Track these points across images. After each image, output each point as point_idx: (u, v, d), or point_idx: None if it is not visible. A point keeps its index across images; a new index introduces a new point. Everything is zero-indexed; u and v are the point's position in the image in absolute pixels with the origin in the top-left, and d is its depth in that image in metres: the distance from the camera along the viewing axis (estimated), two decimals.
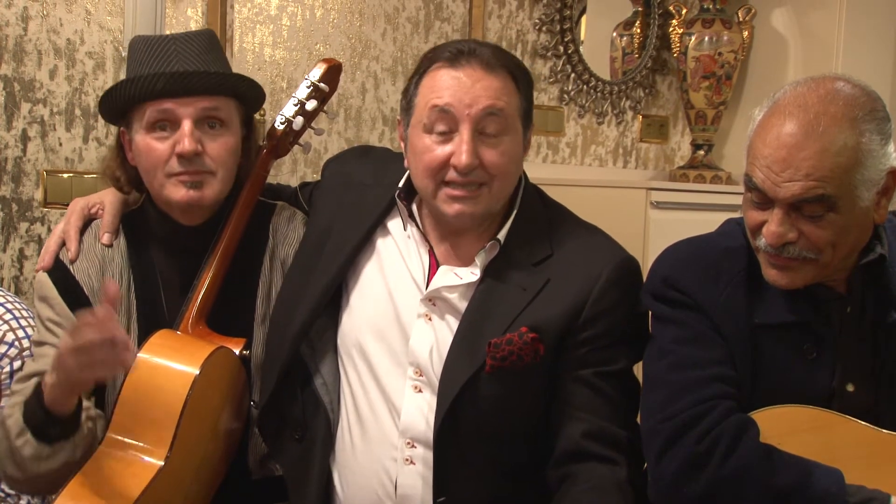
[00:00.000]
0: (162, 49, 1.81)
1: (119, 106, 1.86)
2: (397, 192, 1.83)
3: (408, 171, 1.81)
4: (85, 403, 1.73)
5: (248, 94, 1.93)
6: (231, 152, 1.89)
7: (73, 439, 1.70)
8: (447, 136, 1.70)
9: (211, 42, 1.88)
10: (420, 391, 1.74)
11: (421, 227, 1.82)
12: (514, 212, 1.80)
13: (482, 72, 1.71)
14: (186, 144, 1.80)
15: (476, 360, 1.69)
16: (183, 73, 1.79)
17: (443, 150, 1.70)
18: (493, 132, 1.71)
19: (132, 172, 1.90)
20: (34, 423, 1.67)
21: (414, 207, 1.83)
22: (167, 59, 1.80)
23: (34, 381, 1.74)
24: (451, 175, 1.70)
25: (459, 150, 1.68)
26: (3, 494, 1.95)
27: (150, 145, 1.82)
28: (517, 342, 1.69)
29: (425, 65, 1.77)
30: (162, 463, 1.66)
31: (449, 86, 1.71)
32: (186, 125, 1.81)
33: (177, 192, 1.84)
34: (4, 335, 1.98)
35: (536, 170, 3.77)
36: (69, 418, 1.67)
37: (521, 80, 1.77)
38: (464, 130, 1.69)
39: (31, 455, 1.68)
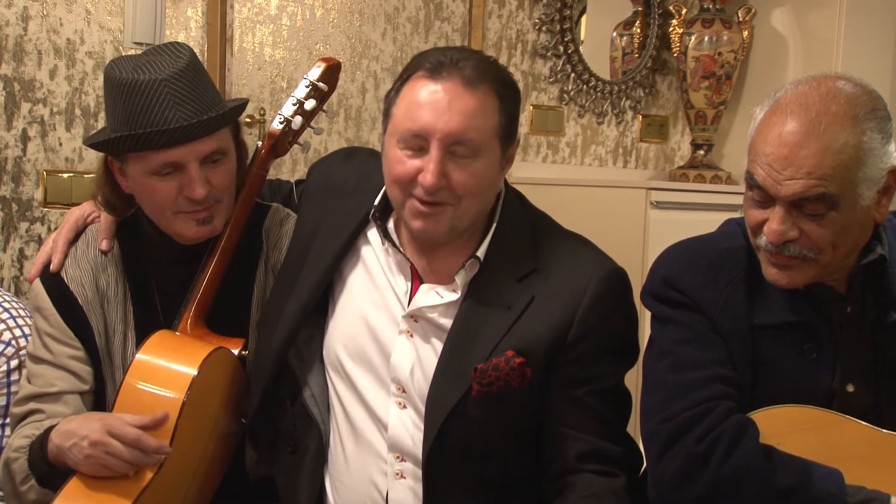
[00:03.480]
0: (153, 95, 1.73)
1: (115, 154, 1.81)
2: (372, 211, 1.79)
3: (384, 188, 1.77)
4: None
5: (239, 116, 1.90)
6: (232, 175, 1.87)
7: None
8: (419, 152, 1.66)
9: (197, 73, 1.79)
10: (404, 407, 1.71)
11: (398, 243, 1.77)
12: (494, 226, 1.75)
13: (461, 88, 1.64)
14: (198, 191, 1.77)
15: (462, 385, 1.65)
16: (187, 128, 1.73)
17: (412, 164, 1.65)
18: (464, 154, 1.65)
19: (126, 197, 1.86)
20: (38, 472, 1.68)
21: (390, 225, 1.80)
22: (162, 108, 1.72)
23: (34, 420, 1.76)
24: (417, 189, 1.66)
25: (427, 168, 1.63)
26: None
27: (155, 187, 1.78)
28: (504, 368, 1.64)
29: (409, 71, 1.70)
30: (161, 464, 1.65)
31: (425, 103, 1.65)
32: (194, 170, 1.77)
33: (188, 229, 1.82)
34: (1, 334, 1.97)
35: (536, 170, 3.78)
36: (72, 470, 1.67)
37: (507, 96, 1.70)
38: (433, 150, 1.63)
39: (36, 499, 1.70)
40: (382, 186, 1.77)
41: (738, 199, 1.70)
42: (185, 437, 1.69)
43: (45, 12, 2.71)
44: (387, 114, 1.73)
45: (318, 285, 1.80)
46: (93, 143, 1.83)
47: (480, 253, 1.72)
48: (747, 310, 1.65)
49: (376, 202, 1.79)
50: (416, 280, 1.76)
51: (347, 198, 1.86)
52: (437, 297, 1.72)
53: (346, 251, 1.82)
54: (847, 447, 1.58)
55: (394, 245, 1.76)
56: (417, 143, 1.65)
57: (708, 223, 1.87)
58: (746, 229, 1.68)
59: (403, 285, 1.75)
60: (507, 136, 1.72)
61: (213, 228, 1.84)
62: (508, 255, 1.73)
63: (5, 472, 1.75)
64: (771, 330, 1.64)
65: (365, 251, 1.82)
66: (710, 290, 1.67)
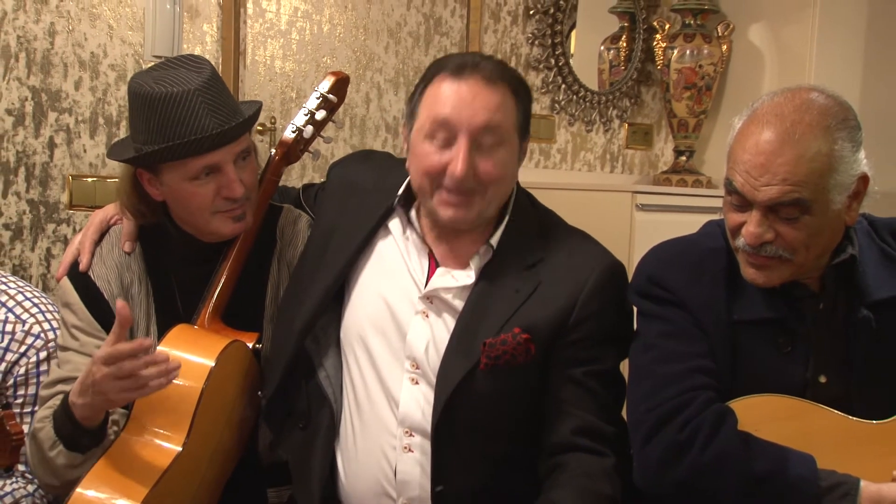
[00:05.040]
0: (188, 105, 1.73)
1: (150, 166, 1.80)
2: (397, 199, 1.82)
3: (407, 179, 1.80)
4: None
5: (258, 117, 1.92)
6: (256, 173, 1.89)
7: (102, 445, 1.71)
8: (446, 145, 1.69)
9: (220, 82, 1.81)
10: (417, 383, 1.73)
11: (419, 230, 1.80)
12: (507, 217, 1.78)
13: (483, 85, 1.68)
14: (238, 190, 1.79)
15: (471, 359, 1.67)
16: (226, 132, 1.75)
17: (441, 158, 1.68)
18: (489, 144, 1.69)
19: (155, 204, 1.86)
20: (65, 435, 1.68)
21: (412, 214, 1.82)
22: (199, 117, 1.73)
23: (60, 396, 1.75)
24: (447, 181, 1.69)
25: (456, 160, 1.66)
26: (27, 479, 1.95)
27: (194, 192, 1.78)
28: (511, 342, 1.67)
29: (431, 74, 1.74)
30: (180, 449, 1.66)
31: (450, 98, 1.68)
32: (230, 171, 1.78)
33: (225, 227, 1.83)
34: (31, 327, 1.98)
35: (529, 174, 3.77)
36: (98, 428, 1.68)
37: (521, 93, 1.75)
38: (461, 142, 1.67)
39: (65, 464, 1.70)
40: (400, 183, 1.82)
41: (718, 202, 1.70)
42: (203, 424, 1.69)
43: (70, 27, 2.71)
44: (411, 115, 1.76)
45: (340, 273, 1.82)
46: (127, 158, 1.81)
47: (494, 241, 1.75)
48: (727, 306, 1.66)
49: (400, 192, 1.82)
50: (433, 266, 1.78)
51: (368, 194, 1.89)
52: (453, 280, 1.75)
53: (367, 242, 1.84)
54: (819, 434, 1.59)
55: (416, 232, 1.79)
56: (445, 134, 1.68)
57: (690, 224, 1.87)
58: (726, 231, 1.68)
59: (421, 270, 1.78)
60: (524, 130, 1.77)
61: (246, 223, 1.85)
62: (518, 245, 1.77)
63: (32, 442, 1.75)
64: (749, 325, 1.65)
65: (385, 241, 1.84)
66: (692, 288, 1.68)
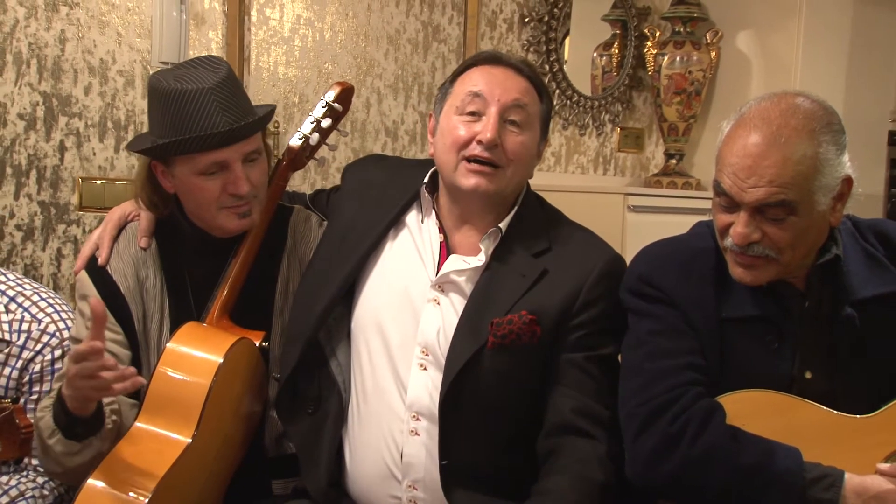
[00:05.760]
0: (201, 103, 1.75)
1: (163, 158, 1.82)
2: (424, 185, 1.86)
3: (432, 168, 1.85)
4: (107, 400, 1.73)
5: (270, 120, 1.94)
6: (266, 172, 1.90)
7: (99, 434, 1.71)
8: (475, 118, 1.76)
9: (234, 83, 1.83)
10: (425, 369, 1.75)
11: (438, 213, 1.85)
12: (517, 207, 1.83)
13: (514, 72, 1.80)
14: (243, 187, 1.80)
15: (480, 338, 1.71)
16: (234, 130, 1.77)
17: (469, 129, 1.76)
18: (516, 122, 1.77)
19: (168, 197, 1.88)
20: (61, 424, 1.68)
21: (433, 201, 1.87)
22: (210, 114, 1.75)
23: (56, 387, 1.75)
24: (473, 149, 1.74)
25: (486, 127, 1.74)
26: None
27: (202, 186, 1.80)
28: (517, 322, 1.71)
29: (464, 66, 1.86)
30: (189, 440, 1.66)
31: (484, 76, 1.79)
32: (238, 168, 1.80)
33: (230, 223, 1.85)
34: (47, 327, 1.99)
35: None
36: (92, 418, 1.68)
37: (544, 94, 1.85)
38: (492, 113, 1.75)
39: (63, 451, 1.69)
40: (415, 180, 1.88)
41: (707, 204, 1.71)
42: (212, 418, 1.70)
43: (80, 35, 2.72)
44: (443, 98, 1.85)
45: (357, 264, 1.85)
46: (141, 149, 1.84)
47: (503, 225, 1.80)
48: (716, 304, 1.66)
49: (426, 179, 1.87)
50: (444, 256, 1.82)
51: (385, 190, 1.93)
52: (464, 263, 1.78)
53: (383, 234, 1.87)
54: (805, 428, 1.59)
55: (435, 213, 1.84)
56: (476, 107, 1.77)
57: (680, 225, 1.88)
58: (715, 231, 1.69)
59: (433, 260, 1.81)
60: (544, 127, 1.86)
61: (252, 221, 1.87)
62: (526, 234, 1.81)
63: (35, 429, 1.74)
64: (737, 323, 1.66)
65: (401, 234, 1.87)
66: (682, 287, 1.69)
